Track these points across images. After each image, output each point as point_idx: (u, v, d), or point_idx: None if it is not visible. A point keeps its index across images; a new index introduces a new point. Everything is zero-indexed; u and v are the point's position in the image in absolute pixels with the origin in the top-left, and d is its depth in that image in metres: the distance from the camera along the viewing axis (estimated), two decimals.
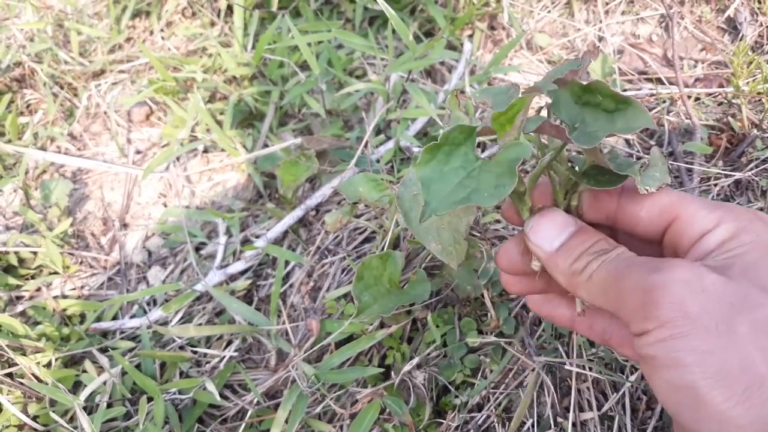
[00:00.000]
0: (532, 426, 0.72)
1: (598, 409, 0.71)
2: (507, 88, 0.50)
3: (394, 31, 1.15)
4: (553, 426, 0.70)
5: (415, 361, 0.70)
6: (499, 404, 0.73)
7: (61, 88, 1.37)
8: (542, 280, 0.54)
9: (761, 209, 0.82)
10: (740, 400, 0.37)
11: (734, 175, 0.89)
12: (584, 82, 0.46)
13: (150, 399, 0.83)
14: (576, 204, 0.52)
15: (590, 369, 0.70)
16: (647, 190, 0.45)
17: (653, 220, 0.48)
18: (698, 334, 0.38)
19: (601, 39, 1.25)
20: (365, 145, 0.97)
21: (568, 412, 0.72)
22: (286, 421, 0.75)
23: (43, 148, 1.30)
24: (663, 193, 0.47)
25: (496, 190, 0.44)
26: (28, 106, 1.39)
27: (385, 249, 0.84)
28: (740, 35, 1.17)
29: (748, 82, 0.97)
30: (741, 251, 0.42)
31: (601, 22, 1.26)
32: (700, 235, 0.44)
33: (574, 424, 0.70)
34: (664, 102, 1.06)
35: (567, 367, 0.69)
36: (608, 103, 0.45)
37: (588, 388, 0.73)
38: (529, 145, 0.45)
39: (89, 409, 0.87)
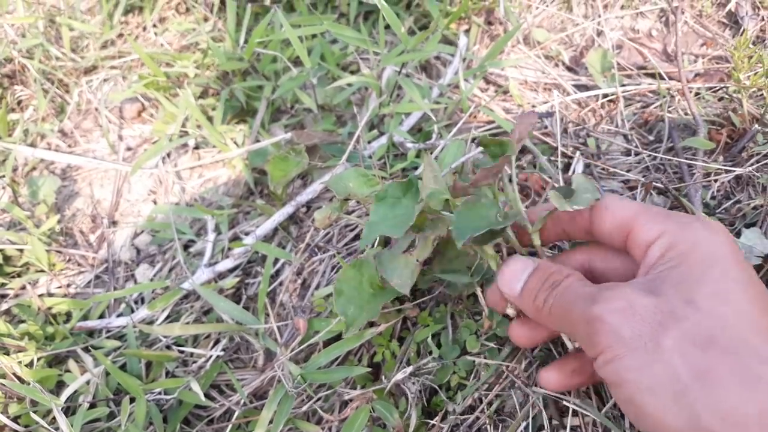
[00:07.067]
0: (526, 429, 0.69)
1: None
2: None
3: (388, 27, 1.13)
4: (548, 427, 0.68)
5: (410, 369, 0.68)
6: (491, 404, 0.70)
7: (53, 84, 1.35)
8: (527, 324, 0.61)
9: (761, 205, 0.79)
10: (670, 407, 0.41)
11: (734, 171, 0.86)
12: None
13: (133, 399, 0.81)
14: (538, 243, 0.60)
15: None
16: (573, 208, 0.53)
17: (614, 234, 0.54)
18: (632, 354, 0.44)
19: (599, 33, 1.22)
20: (357, 140, 0.95)
21: (564, 416, 0.69)
22: (272, 422, 0.72)
23: (33, 145, 1.28)
24: (624, 208, 0.53)
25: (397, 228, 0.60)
26: (19, 103, 1.37)
27: (374, 245, 0.82)
28: (741, 29, 1.15)
29: (749, 76, 0.94)
30: (675, 262, 0.47)
31: (600, 16, 1.23)
32: (646, 247, 0.50)
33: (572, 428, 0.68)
34: (664, 97, 1.04)
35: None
36: None
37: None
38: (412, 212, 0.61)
39: (73, 409, 0.85)
